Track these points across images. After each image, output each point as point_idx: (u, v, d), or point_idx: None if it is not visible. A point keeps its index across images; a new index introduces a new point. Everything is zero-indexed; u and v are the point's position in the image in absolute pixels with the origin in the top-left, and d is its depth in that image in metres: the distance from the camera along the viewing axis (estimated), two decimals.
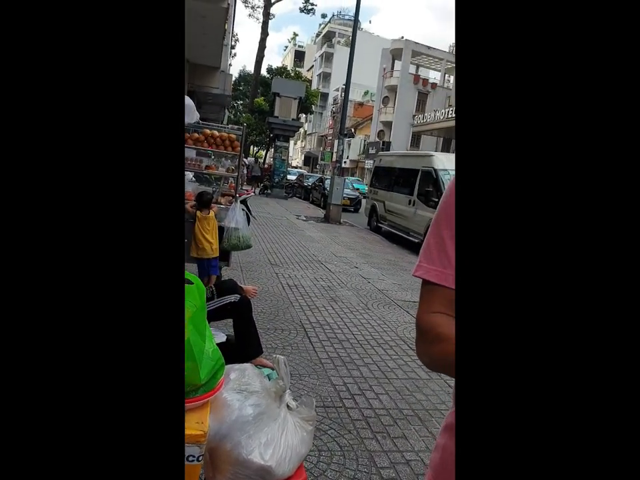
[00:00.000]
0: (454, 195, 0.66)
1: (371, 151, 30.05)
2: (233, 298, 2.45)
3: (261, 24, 23.49)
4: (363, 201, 13.79)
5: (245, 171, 15.55)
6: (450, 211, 0.65)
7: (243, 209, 3.78)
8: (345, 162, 33.81)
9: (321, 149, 47.53)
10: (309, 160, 51.21)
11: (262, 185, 17.84)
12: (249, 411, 1.11)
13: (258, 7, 24.78)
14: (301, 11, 24.87)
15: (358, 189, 17.58)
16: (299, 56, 59.30)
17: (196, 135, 3.91)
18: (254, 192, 13.15)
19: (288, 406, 1.26)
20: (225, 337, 2.39)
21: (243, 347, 2.46)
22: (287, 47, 62.87)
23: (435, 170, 8.18)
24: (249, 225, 3.88)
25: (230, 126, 4.93)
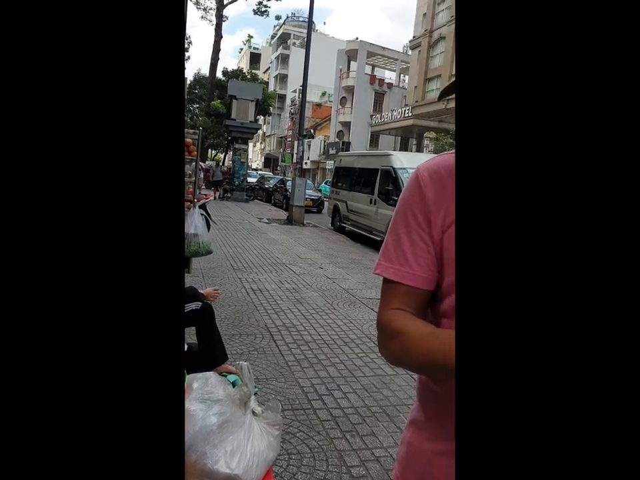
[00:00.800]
0: (411, 193, 0.67)
1: (331, 152, 30.23)
2: (195, 305, 2.39)
3: (214, 26, 23.15)
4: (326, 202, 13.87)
5: (202, 175, 15.15)
6: (406, 210, 0.67)
7: (202, 214, 3.70)
8: (305, 163, 33.90)
9: (281, 150, 47.45)
10: (270, 162, 51.00)
11: (221, 189, 17.50)
12: (213, 420, 1.08)
13: (210, 9, 24.38)
14: (255, 12, 24.64)
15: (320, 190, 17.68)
16: (255, 58, 58.90)
17: None
18: (214, 197, 12.93)
19: (253, 412, 1.24)
20: (187, 345, 2.34)
21: (207, 354, 2.41)
22: (242, 49, 62.35)
23: (394, 169, 8.33)
24: (209, 230, 3.81)
25: (186, 130, 4.83)
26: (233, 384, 2.07)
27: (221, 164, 20.86)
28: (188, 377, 1.21)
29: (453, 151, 0.69)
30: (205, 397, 1.14)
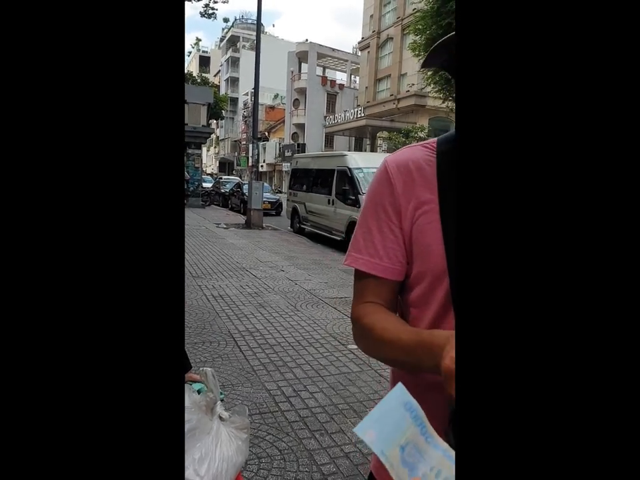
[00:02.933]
0: (380, 186, 0.68)
1: (287, 154, 30.22)
2: None
3: None
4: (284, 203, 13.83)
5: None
6: (376, 202, 0.68)
7: None
8: (261, 166, 33.65)
9: (236, 154, 46.92)
10: (224, 165, 50.29)
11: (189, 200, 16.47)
12: None
13: None
14: (202, 15, 24.21)
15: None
16: (204, 61, 57.94)
17: None
18: None
19: (220, 417, 1.23)
20: None
21: None
22: (190, 52, 61.00)
23: (350, 169, 8.44)
24: None
25: None
26: (198, 392, 2.03)
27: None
28: None
29: (418, 143, 0.71)
30: None
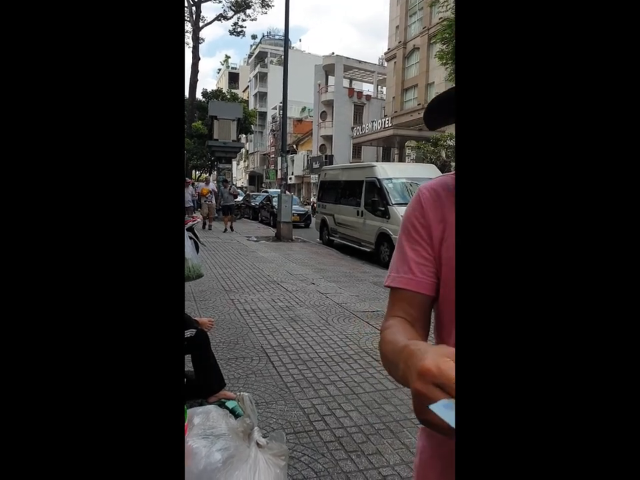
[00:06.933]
0: (413, 210, 0.73)
1: (315, 166, 30.41)
2: (189, 333, 2.35)
3: (191, 48, 23.32)
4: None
5: (214, 201, 13.71)
6: (409, 225, 0.73)
7: (190, 237, 3.66)
8: (290, 178, 33.99)
9: (265, 167, 47.56)
10: (254, 179, 51.02)
11: (238, 216, 15.63)
12: (217, 456, 1.04)
13: (187, 32, 24.57)
14: (231, 33, 24.93)
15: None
16: (233, 78, 59.33)
17: None
18: (226, 228, 12.53)
19: (258, 444, 1.20)
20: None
21: (204, 382, 2.36)
22: (220, 69, 62.76)
23: (379, 180, 8.38)
24: (197, 253, 3.77)
25: None
26: (232, 410, 2.02)
27: (231, 183, 16.40)
28: (188, 412, 1.17)
29: (450, 172, 0.76)
30: (207, 433, 1.10)
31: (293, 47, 50.84)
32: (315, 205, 16.36)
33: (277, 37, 51.66)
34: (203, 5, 23.20)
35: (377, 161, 20.22)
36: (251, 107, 42.04)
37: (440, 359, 0.44)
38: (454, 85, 0.63)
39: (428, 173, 8.36)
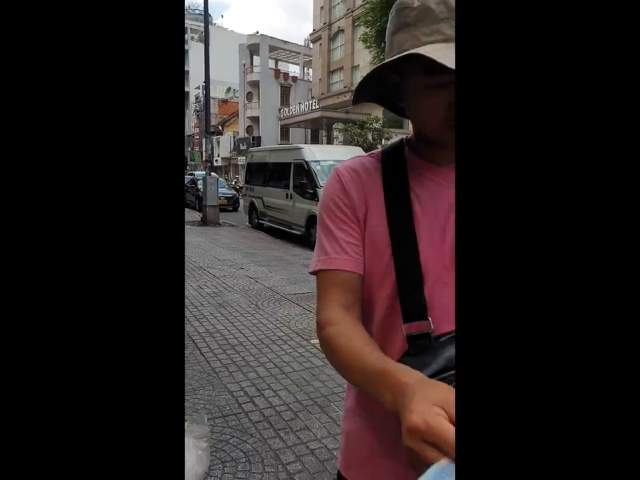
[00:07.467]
0: (334, 190, 0.70)
1: (242, 147, 29.72)
2: None
3: None
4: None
5: None
6: (332, 206, 0.70)
7: None
8: (216, 160, 32.97)
9: (189, 149, 45.71)
10: None
11: None
12: None
13: None
14: None
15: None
16: None
17: None
18: None
19: None
20: None
21: None
22: None
23: (306, 162, 8.41)
24: None
25: None
26: None
27: None
28: None
29: (365, 154, 0.76)
30: None
31: (215, 24, 48.92)
32: (238, 187, 16.08)
33: (197, 12, 49.25)
34: None
35: (305, 143, 20.19)
36: None
37: (429, 411, 0.40)
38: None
39: (355, 155, 8.48)
